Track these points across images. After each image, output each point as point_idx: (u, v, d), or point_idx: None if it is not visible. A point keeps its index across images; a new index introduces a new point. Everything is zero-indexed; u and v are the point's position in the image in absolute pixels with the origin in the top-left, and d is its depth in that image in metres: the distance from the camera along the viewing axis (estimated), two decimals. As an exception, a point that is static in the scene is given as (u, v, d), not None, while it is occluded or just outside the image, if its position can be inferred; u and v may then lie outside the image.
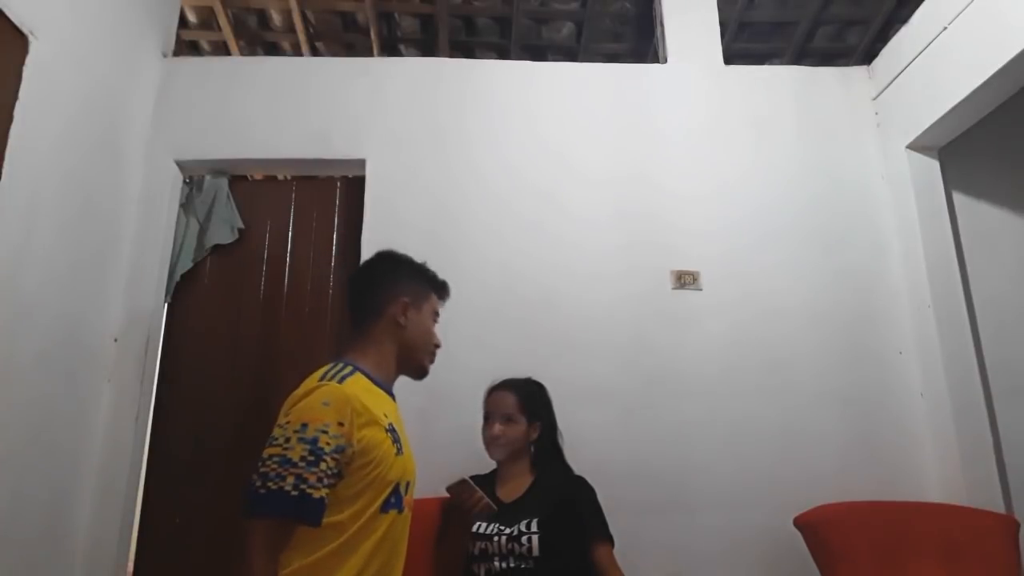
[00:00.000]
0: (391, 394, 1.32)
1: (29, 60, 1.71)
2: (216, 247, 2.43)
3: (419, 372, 1.38)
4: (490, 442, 1.74)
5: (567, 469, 1.78)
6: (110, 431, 2.10)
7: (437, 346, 1.40)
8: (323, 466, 1.07)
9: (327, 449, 1.08)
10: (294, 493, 1.04)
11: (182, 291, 2.39)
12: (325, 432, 1.08)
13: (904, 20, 2.44)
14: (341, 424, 1.10)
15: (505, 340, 2.21)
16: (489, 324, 2.23)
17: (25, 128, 1.68)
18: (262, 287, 2.43)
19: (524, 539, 1.55)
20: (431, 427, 2.10)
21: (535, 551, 1.54)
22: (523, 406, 1.75)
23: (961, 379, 2.17)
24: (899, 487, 2.13)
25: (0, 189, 1.60)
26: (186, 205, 2.46)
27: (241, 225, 2.45)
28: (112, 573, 2.01)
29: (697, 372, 2.24)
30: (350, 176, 2.54)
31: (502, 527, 1.59)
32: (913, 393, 2.26)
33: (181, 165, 2.43)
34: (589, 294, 2.29)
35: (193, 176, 2.49)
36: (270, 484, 1.05)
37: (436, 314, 1.41)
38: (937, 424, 2.19)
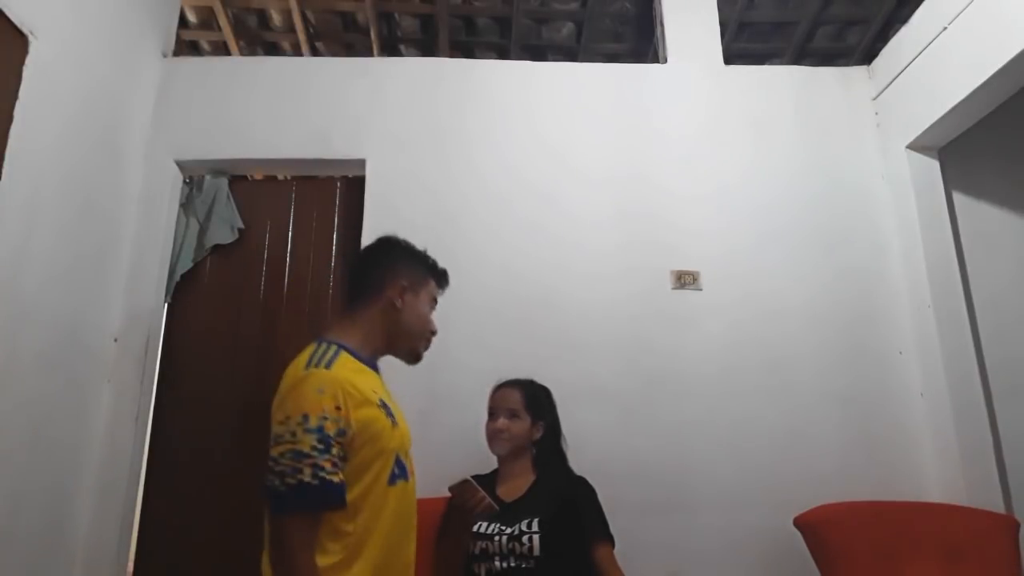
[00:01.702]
0: (376, 368, 1.33)
1: (29, 60, 1.71)
2: (216, 247, 2.43)
3: (413, 357, 1.39)
4: (493, 436, 1.75)
5: (568, 470, 1.78)
6: (110, 431, 2.10)
7: (433, 332, 1.41)
8: (334, 451, 1.10)
9: (332, 434, 1.10)
10: (315, 482, 1.06)
11: (182, 291, 2.39)
12: (327, 419, 1.10)
13: (904, 20, 2.44)
14: (338, 408, 1.12)
15: (505, 340, 2.21)
16: (489, 324, 2.23)
17: (25, 128, 1.68)
18: (262, 287, 2.43)
19: (525, 539, 1.56)
20: (431, 427, 2.10)
21: (536, 551, 1.54)
22: (528, 404, 1.75)
23: (961, 379, 2.17)
24: (899, 487, 2.13)
25: (0, 189, 1.60)
26: (186, 205, 2.46)
27: (241, 225, 2.46)
28: (112, 573, 2.01)
29: (697, 372, 2.24)
30: (350, 176, 2.54)
31: (503, 527, 1.59)
32: (913, 393, 2.26)
33: (181, 165, 2.43)
34: (589, 294, 2.30)
35: (193, 176, 2.49)
36: (288, 480, 1.07)
37: (434, 301, 1.43)
38: (937, 424, 2.19)
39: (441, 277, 1.44)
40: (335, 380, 1.15)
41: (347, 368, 1.21)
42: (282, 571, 1.07)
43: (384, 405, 1.23)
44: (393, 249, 1.42)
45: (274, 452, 1.10)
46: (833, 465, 2.16)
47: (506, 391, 1.78)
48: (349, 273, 1.42)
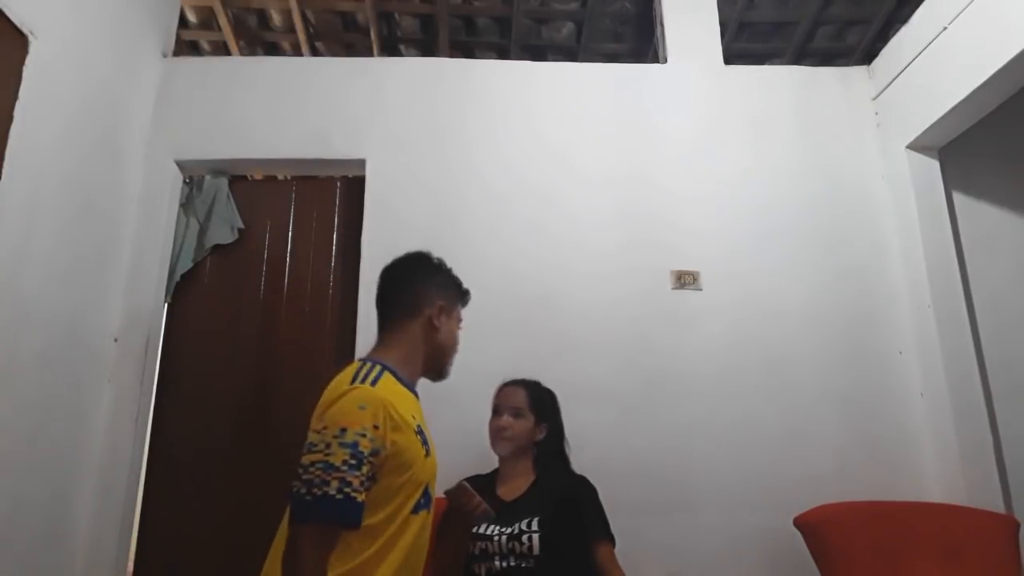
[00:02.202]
0: (415, 392, 1.34)
1: (29, 60, 1.71)
2: (216, 247, 2.43)
3: (441, 375, 1.41)
4: (496, 433, 1.74)
5: (570, 471, 1.78)
6: (110, 431, 2.10)
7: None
8: (364, 469, 1.09)
9: (366, 452, 1.10)
10: (339, 497, 1.06)
11: (182, 291, 2.39)
12: (364, 436, 1.10)
13: (904, 20, 2.44)
14: (376, 427, 1.12)
15: (505, 340, 2.21)
16: (489, 324, 2.22)
17: (25, 128, 1.68)
18: (262, 287, 2.43)
19: (524, 538, 1.55)
20: (430, 429, 2.10)
21: (535, 550, 1.53)
22: (533, 403, 1.75)
23: (961, 379, 2.17)
24: (899, 487, 2.13)
25: (0, 189, 1.60)
26: (186, 205, 2.46)
27: (241, 225, 2.46)
28: (112, 573, 2.01)
29: (697, 372, 2.24)
30: (350, 176, 2.54)
31: (502, 527, 1.59)
32: (913, 393, 2.26)
33: (181, 165, 2.43)
34: (589, 294, 2.30)
35: (193, 176, 2.49)
36: (315, 491, 1.06)
37: (460, 320, 1.45)
38: (937, 424, 2.19)
39: (466, 297, 1.47)
40: (378, 399, 1.15)
41: (390, 389, 1.21)
42: (291, 574, 1.07)
43: (420, 432, 1.24)
44: (431, 267, 1.42)
45: (305, 460, 1.09)
46: (833, 465, 2.16)
47: (512, 389, 1.78)
48: (383, 288, 1.40)
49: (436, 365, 1.38)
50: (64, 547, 1.92)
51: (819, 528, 1.88)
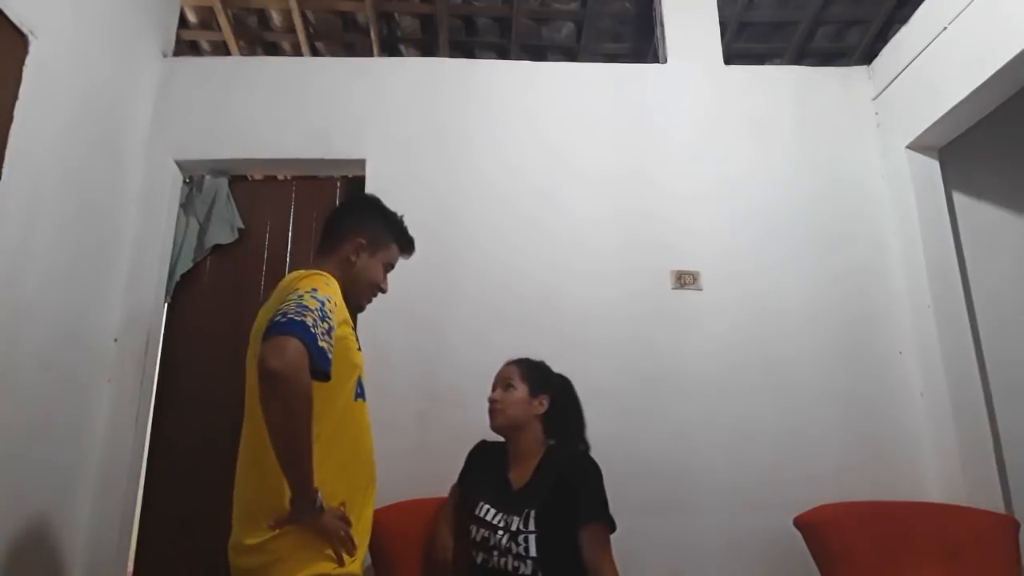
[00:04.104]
0: None
1: (29, 60, 1.71)
2: (216, 247, 2.44)
3: (355, 308, 1.46)
4: (489, 408, 1.70)
5: (575, 449, 1.68)
6: (110, 431, 2.10)
7: (382, 291, 1.49)
8: (326, 325, 1.15)
9: (330, 315, 1.18)
10: (314, 330, 1.11)
11: (182, 291, 2.39)
12: (329, 300, 1.20)
13: (904, 20, 2.44)
14: (335, 304, 1.23)
15: (505, 339, 2.20)
16: (489, 323, 2.23)
17: (25, 128, 1.68)
18: (262, 287, 2.43)
19: (521, 539, 1.51)
20: (431, 428, 2.11)
21: (532, 551, 1.50)
22: (525, 375, 1.71)
23: (961, 379, 2.17)
24: (899, 487, 2.13)
25: (0, 189, 1.60)
26: (186, 205, 2.46)
27: (241, 225, 2.46)
28: (112, 573, 2.02)
29: (697, 372, 2.24)
30: (350, 176, 2.54)
31: (508, 515, 1.56)
32: (913, 393, 2.26)
33: (181, 165, 2.43)
34: (589, 293, 2.30)
35: (193, 176, 2.49)
36: (292, 316, 1.10)
37: (390, 265, 1.51)
38: (937, 424, 2.19)
39: (406, 244, 1.52)
40: (334, 283, 1.29)
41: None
42: (284, 386, 1.06)
43: (354, 329, 1.36)
44: (364, 206, 1.52)
45: (280, 307, 1.14)
46: (833, 465, 2.16)
47: (504, 367, 1.76)
48: (324, 221, 1.50)
49: (349, 295, 1.42)
50: (64, 546, 1.92)
51: (819, 528, 1.88)
